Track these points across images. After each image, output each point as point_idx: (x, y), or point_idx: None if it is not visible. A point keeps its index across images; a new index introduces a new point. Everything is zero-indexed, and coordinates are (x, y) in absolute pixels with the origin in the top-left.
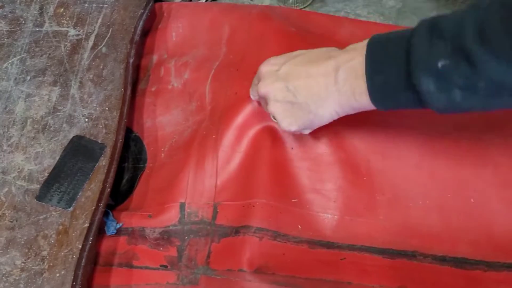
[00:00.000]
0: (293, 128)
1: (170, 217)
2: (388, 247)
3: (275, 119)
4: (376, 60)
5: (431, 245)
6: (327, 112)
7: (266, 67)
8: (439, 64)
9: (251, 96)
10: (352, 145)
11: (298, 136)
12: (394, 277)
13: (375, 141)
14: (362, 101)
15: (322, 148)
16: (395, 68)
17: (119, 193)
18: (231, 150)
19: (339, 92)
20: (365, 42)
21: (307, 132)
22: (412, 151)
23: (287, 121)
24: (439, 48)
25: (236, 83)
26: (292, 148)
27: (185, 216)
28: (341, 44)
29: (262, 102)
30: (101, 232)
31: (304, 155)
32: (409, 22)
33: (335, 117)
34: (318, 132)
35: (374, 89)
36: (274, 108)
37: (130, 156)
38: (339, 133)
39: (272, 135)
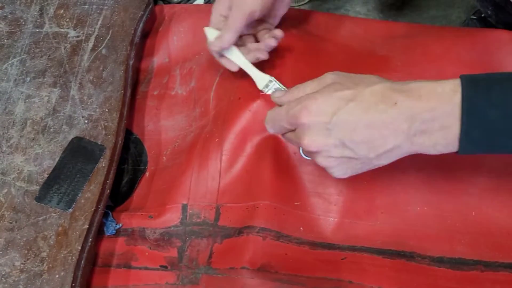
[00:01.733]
0: (347, 176)
1: (172, 218)
2: (387, 248)
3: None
4: (478, 115)
5: (428, 245)
6: (390, 160)
7: (310, 118)
8: None
9: (268, 130)
10: None
11: None
12: (394, 278)
13: None
14: (443, 151)
15: None
16: (504, 124)
17: (118, 195)
18: (234, 154)
19: (412, 144)
20: (450, 86)
21: None
22: (410, 158)
23: (342, 172)
24: None
25: (240, 89)
26: (295, 153)
27: (187, 217)
28: (342, 45)
29: (293, 142)
30: (100, 233)
31: (306, 160)
32: (409, 19)
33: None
34: None
35: (468, 142)
36: (327, 163)
37: (130, 158)
38: None
39: (275, 139)
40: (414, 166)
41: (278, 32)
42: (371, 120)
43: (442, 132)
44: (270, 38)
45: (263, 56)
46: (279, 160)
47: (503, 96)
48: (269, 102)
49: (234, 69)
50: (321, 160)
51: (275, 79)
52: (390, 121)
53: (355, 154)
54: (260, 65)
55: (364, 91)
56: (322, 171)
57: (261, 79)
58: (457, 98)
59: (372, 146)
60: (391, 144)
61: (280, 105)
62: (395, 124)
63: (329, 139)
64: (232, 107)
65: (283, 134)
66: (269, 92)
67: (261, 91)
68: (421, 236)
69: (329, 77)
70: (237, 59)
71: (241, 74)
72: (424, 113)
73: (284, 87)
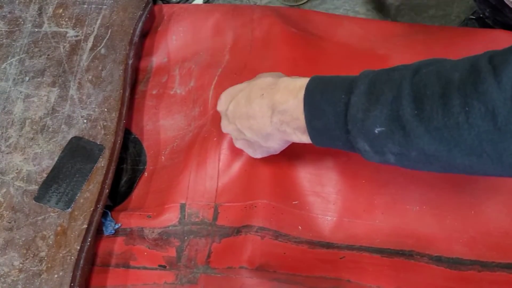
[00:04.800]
0: (258, 156)
1: (170, 217)
2: (386, 247)
3: None
4: (314, 107)
5: (427, 245)
6: (276, 144)
7: (219, 107)
8: (376, 130)
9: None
10: None
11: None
12: (392, 277)
13: None
14: (303, 139)
15: (322, 152)
16: (334, 119)
17: (117, 194)
18: (233, 153)
19: (278, 131)
20: (301, 83)
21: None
22: None
23: (250, 151)
24: (376, 114)
25: None
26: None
27: (185, 217)
28: (341, 44)
29: None
30: (99, 232)
31: (304, 158)
32: (408, 19)
33: (288, 144)
34: None
35: (313, 133)
36: (237, 144)
37: (129, 158)
38: None
39: None
40: None
41: None
42: (249, 112)
43: (295, 122)
44: None
45: None
46: (277, 159)
47: (335, 100)
48: None
49: None
50: (235, 143)
51: None
52: (258, 110)
53: (246, 137)
54: (259, 65)
55: (251, 84)
56: (321, 170)
57: None
58: (301, 94)
59: (254, 131)
60: (265, 130)
61: None
62: (262, 112)
63: (229, 125)
64: None
65: None
66: None
67: None
68: (420, 235)
69: (258, 75)
70: None
71: (239, 73)
72: (279, 105)
73: None
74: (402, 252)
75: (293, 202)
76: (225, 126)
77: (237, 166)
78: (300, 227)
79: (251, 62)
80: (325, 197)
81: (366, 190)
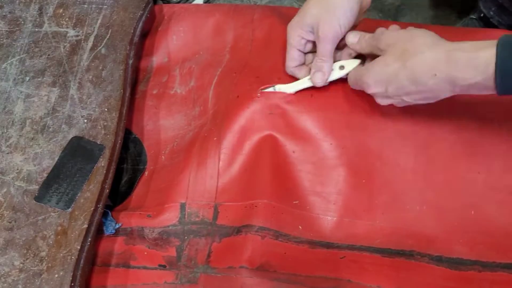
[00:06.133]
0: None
1: (170, 217)
2: (386, 247)
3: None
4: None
5: (427, 245)
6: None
7: (371, 91)
8: None
9: (353, 43)
10: (352, 150)
11: (299, 140)
12: (392, 277)
13: (373, 146)
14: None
15: (323, 152)
16: None
17: (118, 194)
18: (233, 152)
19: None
20: (485, 58)
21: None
22: (408, 156)
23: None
24: None
25: (238, 87)
26: (293, 152)
27: (185, 216)
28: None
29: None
30: (99, 232)
31: (305, 158)
32: (408, 19)
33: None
34: (319, 137)
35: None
36: (385, 102)
37: (129, 158)
38: (340, 138)
39: (273, 138)
40: (413, 166)
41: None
42: (419, 87)
43: (483, 91)
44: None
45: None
46: (277, 158)
47: None
48: (267, 101)
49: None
50: (383, 102)
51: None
52: (436, 87)
53: (413, 103)
54: (259, 65)
55: (407, 65)
56: (321, 170)
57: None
58: (491, 69)
59: (428, 99)
60: (442, 97)
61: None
62: (440, 87)
63: (390, 99)
64: (230, 105)
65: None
66: (266, 90)
67: (261, 89)
68: (420, 235)
69: (392, 36)
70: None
71: (239, 72)
72: (464, 81)
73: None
74: (402, 252)
75: (294, 202)
76: (384, 101)
77: (237, 165)
78: (300, 227)
79: (251, 62)
80: (326, 197)
81: (366, 190)
